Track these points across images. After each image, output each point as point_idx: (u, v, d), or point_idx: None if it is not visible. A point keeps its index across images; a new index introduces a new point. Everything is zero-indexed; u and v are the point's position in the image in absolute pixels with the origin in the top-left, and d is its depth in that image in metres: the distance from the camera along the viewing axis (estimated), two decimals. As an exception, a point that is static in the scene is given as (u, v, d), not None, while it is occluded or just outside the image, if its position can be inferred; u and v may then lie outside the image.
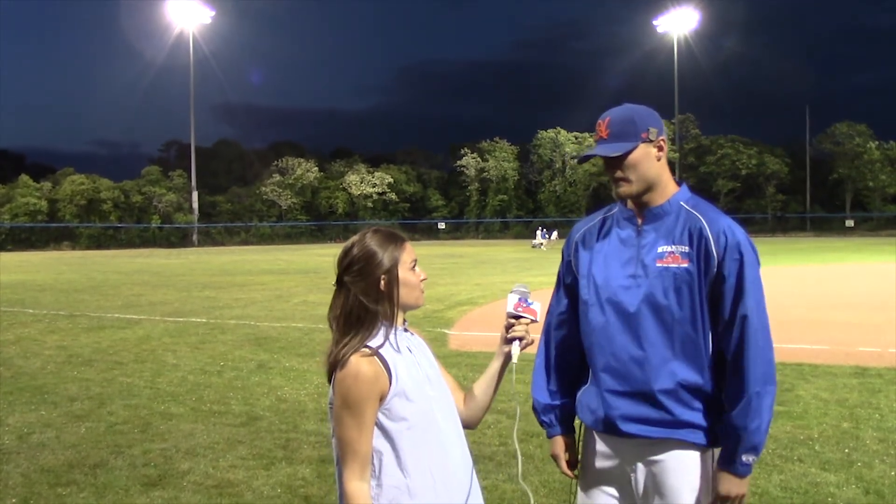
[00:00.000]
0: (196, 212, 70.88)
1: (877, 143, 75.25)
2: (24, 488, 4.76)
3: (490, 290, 18.19)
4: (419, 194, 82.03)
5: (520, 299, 2.20)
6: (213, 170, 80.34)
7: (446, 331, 11.32)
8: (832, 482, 4.62)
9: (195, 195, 71.22)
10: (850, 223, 69.35)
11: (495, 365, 2.21)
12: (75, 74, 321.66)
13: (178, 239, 68.79)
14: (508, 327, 2.19)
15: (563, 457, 2.43)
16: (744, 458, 2.15)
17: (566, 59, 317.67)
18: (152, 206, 70.08)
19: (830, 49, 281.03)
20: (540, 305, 2.22)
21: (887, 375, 7.64)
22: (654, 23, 79.89)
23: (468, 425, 2.22)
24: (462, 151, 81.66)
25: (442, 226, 79.22)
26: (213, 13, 73.80)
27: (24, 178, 67.49)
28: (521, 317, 2.18)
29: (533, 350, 2.38)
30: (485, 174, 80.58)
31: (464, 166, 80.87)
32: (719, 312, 2.19)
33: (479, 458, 5.17)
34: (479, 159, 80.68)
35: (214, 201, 74.96)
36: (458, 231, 79.88)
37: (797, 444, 5.42)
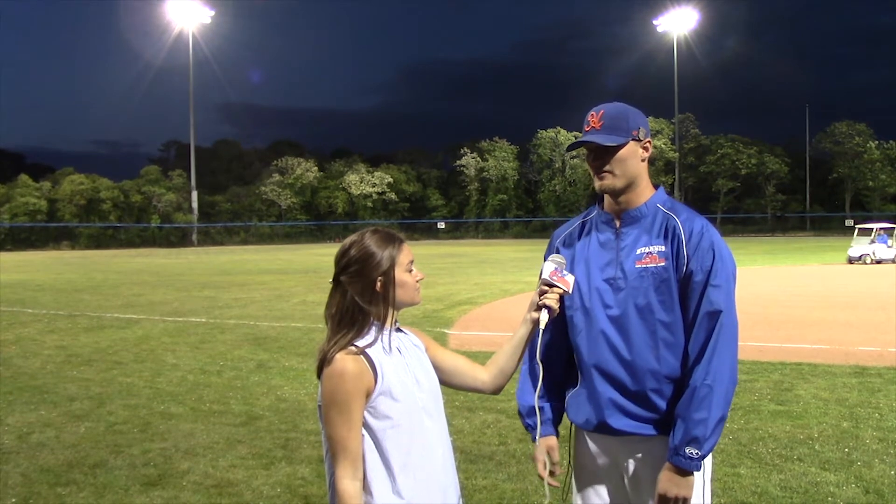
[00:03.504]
0: (196, 211, 70.91)
1: (877, 142, 75.33)
2: (24, 488, 4.76)
3: (490, 289, 18.19)
4: (419, 194, 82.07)
5: (555, 268, 2.20)
6: (212, 169, 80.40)
7: (446, 330, 11.33)
8: (832, 482, 4.62)
9: (195, 195, 71.23)
10: (849, 223, 69.34)
11: (522, 331, 2.22)
12: (75, 74, 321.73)
13: (178, 239, 68.81)
14: (541, 294, 2.20)
15: (541, 459, 2.40)
16: (686, 450, 2.14)
17: (566, 59, 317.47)
18: (152, 206, 70.11)
19: (830, 49, 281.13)
20: (574, 279, 2.22)
21: (887, 375, 7.64)
22: (654, 23, 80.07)
23: (492, 391, 2.24)
24: (462, 151, 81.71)
25: (441, 225, 79.25)
26: (212, 13, 73.95)
27: (24, 177, 67.53)
28: (555, 285, 2.18)
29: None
30: (484, 174, 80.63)
31: (463, 166, 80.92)
32: (688, 308, 2.23)
33: (478, 458, 5.17)
34: (478, 159, 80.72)
35: (214, 201, 74.98)
36: (457, 231, 79.91)
37: (797, 443, 5.42)
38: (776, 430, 5.76)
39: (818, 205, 79.06)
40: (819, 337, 10.26)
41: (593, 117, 2.31)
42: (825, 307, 13.83)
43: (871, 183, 74.46)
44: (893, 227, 29.94)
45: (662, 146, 72.33)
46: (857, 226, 32.14)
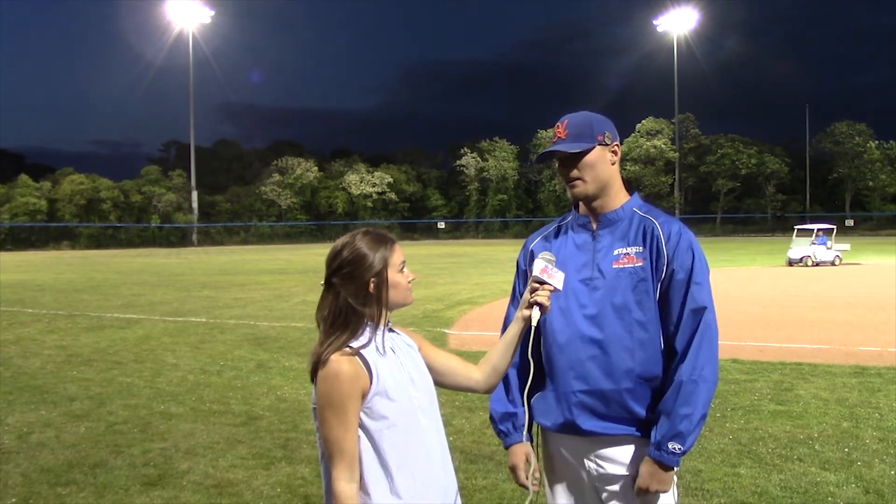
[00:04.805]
0: (196, 211, 70.92)
1: (877, 142, 75.30)
2: (24, 488, 4.76)
3: (490, 289, 18.18)
4: (419, 194, 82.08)
5: (545, 265, 2.20)
6: (212, 169, 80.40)
7: (446, 330, 11.32)
8: (832, 482, 4.62)
9: (195, 195, 71.25)
10: (849, 223, 69.31)
11: (514, 329, 2.22)
12: (75, 74, 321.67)
13: (178, 239, 68.83)
14: (532, 291, 2.19)
15: (521, 467, 2.40)
16: (669, 444, 2.16)
17: (566, 59, 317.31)
18: (152, 206, 70.12)
19: (830, 49, 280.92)
20: (564, 276, 2.21)
21: (887, 375, 7.65)
22: (654, 23, 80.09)
23: (486, 390, 2.24)
24: (462, 151, 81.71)
25: (441, 225, 79.24)
26: (212, 13, 73.99)
27: (24, 177, 67.54)
28: (545, 283, 2.18)
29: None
30: (484, 174, 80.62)
31: (463, 166, 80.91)
32: (672, 307, 2.25)
33: (478, 458, 5.16)
34: (478, 159, 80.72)
35: (214, 201, 74.98)
36: (457, 231, 79.91)
37: (797, 443, 5.42)
38: (776, 430, 5.76)
39: (818, 205, 78.99)
40: (819, 337, 10.26)
41: (559, 128, 2.35)
42: (825, 307, 13.83)
43: (871, 183, 74.44)
44: (832, 228, 29.46)
45: (662, 146, 72.20)
46: (796, 227, 30.97)
